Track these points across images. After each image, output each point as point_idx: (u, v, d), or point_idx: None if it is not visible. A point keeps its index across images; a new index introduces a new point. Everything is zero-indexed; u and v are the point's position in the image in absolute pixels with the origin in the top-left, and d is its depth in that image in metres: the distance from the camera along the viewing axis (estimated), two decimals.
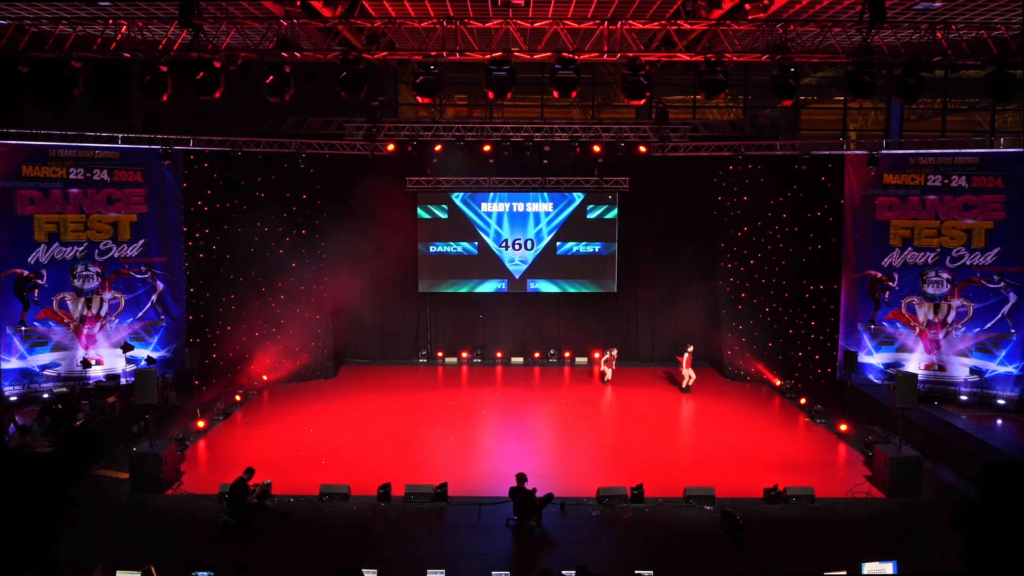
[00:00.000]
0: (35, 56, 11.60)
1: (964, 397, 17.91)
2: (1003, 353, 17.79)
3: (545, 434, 16.89)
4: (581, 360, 22.37)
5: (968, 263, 18.11)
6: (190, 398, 17.88)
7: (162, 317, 19.12)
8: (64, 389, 17.50)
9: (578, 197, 21.65)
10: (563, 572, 9.23)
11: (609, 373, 20.34)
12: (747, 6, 11.33)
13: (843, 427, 16.36)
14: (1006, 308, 17.77)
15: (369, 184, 20.83)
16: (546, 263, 21.95)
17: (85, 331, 18.26)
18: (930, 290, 18.44)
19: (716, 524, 11.82)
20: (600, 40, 12.26)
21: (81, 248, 18.15)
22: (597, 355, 22.24)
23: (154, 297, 19.02)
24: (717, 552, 11.32)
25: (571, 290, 22.12)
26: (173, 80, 11.50)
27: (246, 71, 12.23)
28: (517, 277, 22.02)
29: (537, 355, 22.46)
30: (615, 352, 20.67)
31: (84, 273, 18.21)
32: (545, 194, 21.66)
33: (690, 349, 19.60)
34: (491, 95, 11.57)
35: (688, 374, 19.37)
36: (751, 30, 12.36)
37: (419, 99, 12.13)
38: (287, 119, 19.46)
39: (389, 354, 22.45)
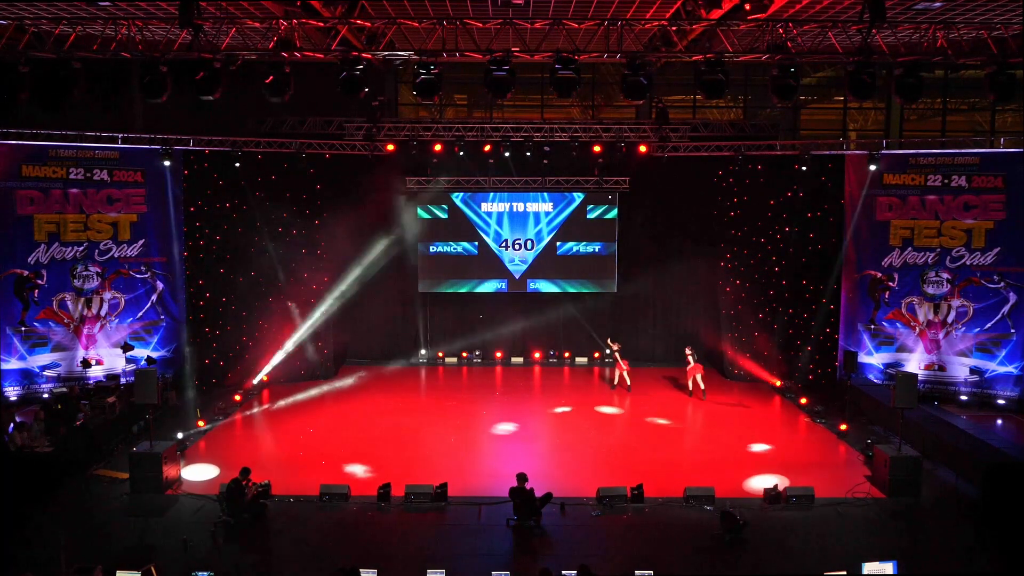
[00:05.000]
0: (35, 56, 11.60)
1: (964, 397, 17.90)
2: (1003, 353, 17.79)
3: (545, 434, 16.87)
4: (581, 360, 22.35)
5: (968, 263, 18.10)
6: (190, 398, 17.85)
7: (162, 317, 19.11)
8: (64, 389, 17.50)
9: (578, 197, 21.64)
10: (563, 572, 9.24)
11: (619, 376, 19.61)
12: (747, 6, 11.33)
13: (843, 427, 16.36)
14: (1006, 308, 17.77)
15: (369, 184, 20.89)
16: (546, 263, 21.94)
17: (85, 331, 18.24)
18: (930, 290, 18.43)
19: (716, 524, 11.80)
20: (600, 40, 12.26)
21: (81, 248, 18.13)
22: (597, 356, 22.29)
23: (154, 297, 19.01)
24: (717, 552, 11.32)
25: (571, 290, 22.11)
26: (173, 80, 11.52)
27: (246, 71, 12.23)
28: (517, 277, 22.02)
29: (537, 355, 22.45)
30: (618, 348, 19.61)
31: (84, 273, 18.20)
32: (545, 194, 21.65)
33: (688, 351, 19.03)
34: (491, 95, 11.58)
35: (696, 381, 18.75)
36: (751, 30, 12.36)
37: (419, 99, 12.14)
38: (287, 119, 19.44)
39: (389, 354, 22.41)
